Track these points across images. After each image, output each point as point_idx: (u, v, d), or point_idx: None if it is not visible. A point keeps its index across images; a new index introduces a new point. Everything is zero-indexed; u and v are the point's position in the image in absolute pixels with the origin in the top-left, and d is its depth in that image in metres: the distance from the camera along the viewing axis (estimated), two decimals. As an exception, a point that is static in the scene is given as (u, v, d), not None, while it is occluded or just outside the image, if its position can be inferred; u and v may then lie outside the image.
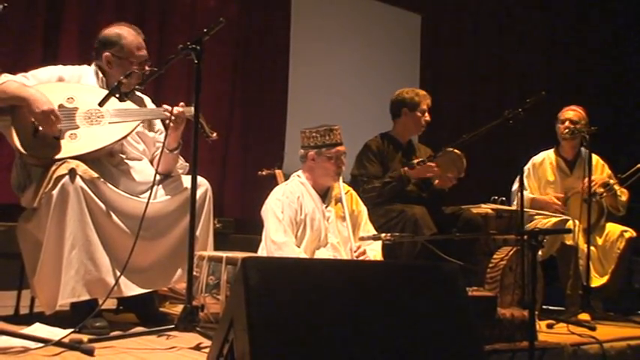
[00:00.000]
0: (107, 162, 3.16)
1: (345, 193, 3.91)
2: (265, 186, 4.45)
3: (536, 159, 5.04)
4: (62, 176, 2.89)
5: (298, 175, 3.91)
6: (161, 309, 3.63)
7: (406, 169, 4.33)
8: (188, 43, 2.83)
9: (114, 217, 3.02)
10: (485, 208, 4.47)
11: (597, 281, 4.53)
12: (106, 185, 3.02)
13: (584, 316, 4.04)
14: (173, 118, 3.20)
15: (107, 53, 3.31)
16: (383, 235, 3.49)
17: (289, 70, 6.48)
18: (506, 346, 2.94)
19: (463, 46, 7.69)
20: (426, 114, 4.62)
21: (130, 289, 3.06)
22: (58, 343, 2.43)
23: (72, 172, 2.91)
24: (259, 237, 3.76)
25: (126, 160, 3.26)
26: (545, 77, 8.00)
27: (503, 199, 4.51)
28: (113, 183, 3.08)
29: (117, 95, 3.00)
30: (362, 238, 3.77)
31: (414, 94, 4.63)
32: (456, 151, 4.30)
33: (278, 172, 5.04)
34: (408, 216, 4.12)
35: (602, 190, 4.67)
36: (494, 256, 3.92)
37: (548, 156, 5.03)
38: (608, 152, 5.04)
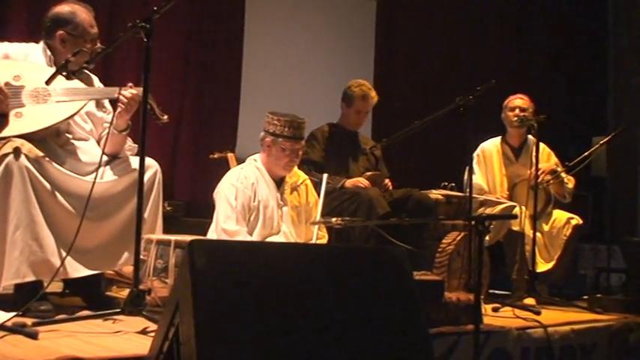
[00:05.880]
0: (53, 141, 3.10)
1: (301, 183, 3.90)
2: (217, 169, 4.42)
3: (485, 145, 5.09)
4: (6, 155, 2.83)
5: (255, 160, 3.86)
6: (108, 293, 3.58)
7: (345, 180, 4.43)
8: (137, 21, 2.78)
9: (59, 196, 2.96)
10: (436, 194, 4.51)
11: (543, 267, 4.62)
12: (51, 164, 2.96)
13: (530, 301, 4.12)
14: (126, 101, 3.15)
15: (61, 32, 3.23)
16: (334, 219, 3.49)
17: (243, 52, 6.42)
18: (452, 329, 2.99)
19: (417, 33, 7.71)
20: (361, 114, 4.78)
21: (76, 270, 3.02)
22: (1, 327, 2.38)
23: (16, 151, 2.85)
24: (210, 220, 3.73)
25: (72, 140, 3.20)
26: (496, 65, 8.09)
27: (453, 184, 4.55)
28: (59, 163, 3.01)
29: (64, 74, 2.94)
30: (313, 223, 3.78)
31: (359, 91, 4.74)
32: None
33: (230, 155, 4.98)
34: (362, 197, 4.16)
35: (549, 177, 4.75)
36: (443, 241, 3.97)
37: (495, 143, 5.10)
38: (556, 140, 5.13)
